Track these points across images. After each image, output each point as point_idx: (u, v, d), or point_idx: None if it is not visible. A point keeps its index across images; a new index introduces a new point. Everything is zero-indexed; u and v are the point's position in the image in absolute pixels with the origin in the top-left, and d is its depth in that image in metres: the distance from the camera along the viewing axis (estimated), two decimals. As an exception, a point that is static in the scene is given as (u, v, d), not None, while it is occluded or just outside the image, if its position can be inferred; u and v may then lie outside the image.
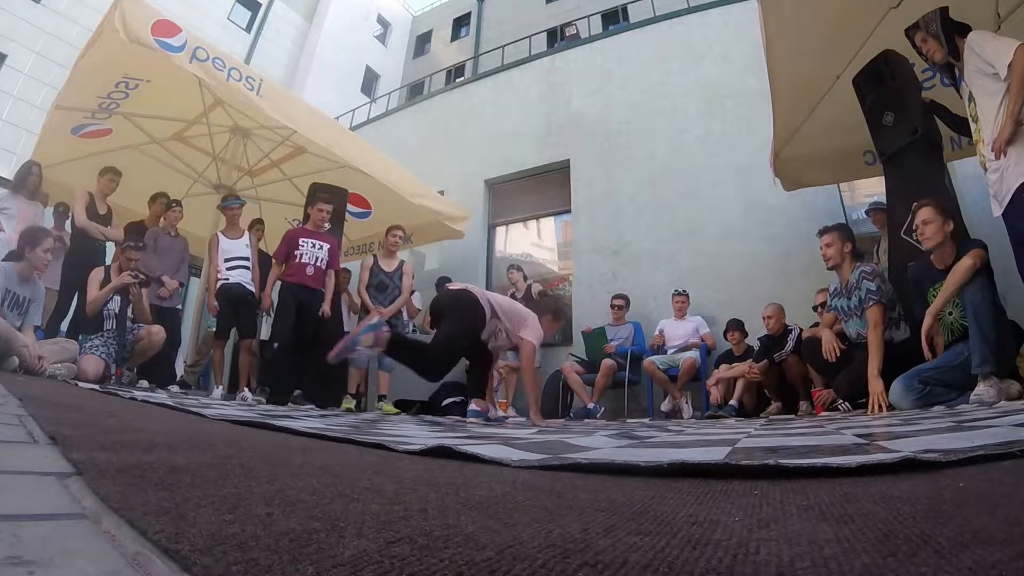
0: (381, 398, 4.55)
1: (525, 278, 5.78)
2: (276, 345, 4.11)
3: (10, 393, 1.75)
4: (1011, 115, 2.27)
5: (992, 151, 2.37)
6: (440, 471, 0.88)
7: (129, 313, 4.01)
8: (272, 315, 4.36)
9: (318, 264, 4.25)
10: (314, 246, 4.26)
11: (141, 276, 4.02)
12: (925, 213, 2.69)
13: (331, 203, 4.58)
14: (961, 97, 2.74)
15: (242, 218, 5.25)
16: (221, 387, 4.29)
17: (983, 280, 2.44)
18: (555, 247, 6.93)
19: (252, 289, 4.41)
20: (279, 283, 4.33)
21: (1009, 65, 2.27)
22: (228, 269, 4.34)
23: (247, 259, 4.47)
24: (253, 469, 0.75)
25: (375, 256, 4.87)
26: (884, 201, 3.91)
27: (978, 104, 2.52)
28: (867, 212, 4.58)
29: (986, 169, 2.52)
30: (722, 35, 6.11)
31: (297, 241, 4.24)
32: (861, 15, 3.56)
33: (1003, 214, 2.44)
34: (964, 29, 2.59)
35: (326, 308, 4.29)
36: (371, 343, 2.94)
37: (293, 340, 4.13)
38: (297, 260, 4.18)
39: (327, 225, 4.53)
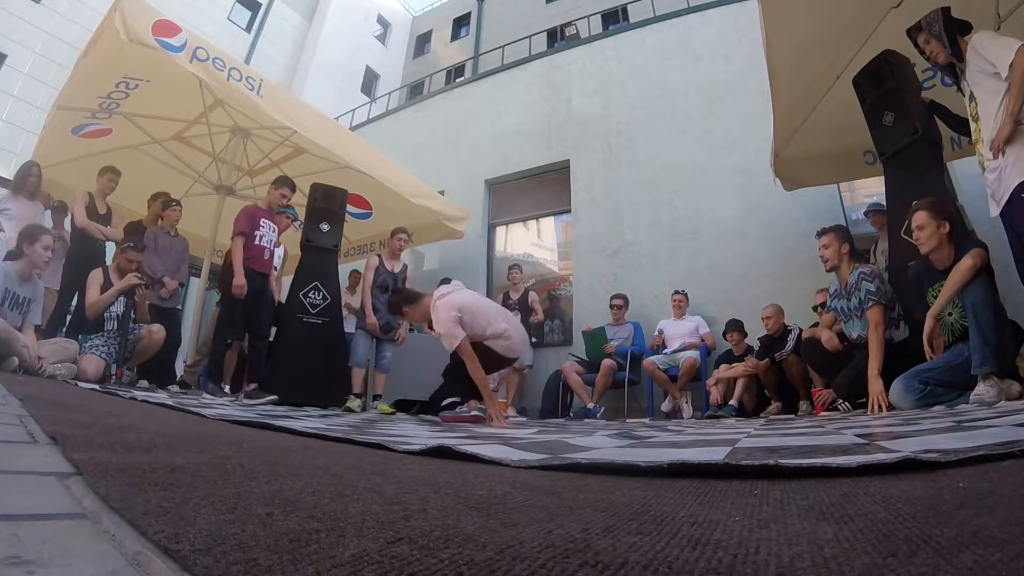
0: (376, 398, 4.55)
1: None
2: (229, 342, 4.01)
3: (10, 393, 1.75)
4: (1011, 114, 2.27)
5: (991, 150, 2.37)
6: (440, 471, 0.88)
7: (132, 314, 4.02)
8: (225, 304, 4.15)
9: (272, 248, 4.17)
10: (271, 229, 4.18)
11: (145, 279, 4.02)
12: (919, 218, 2.68)
13: (294, 191, 4.45)
14: (963, 96, 2.74)
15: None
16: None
17: (983, 280, 2.44)
18: (555, 247, 6.93)
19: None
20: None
21: (1010, 65, 2.27)
22: None
23: None
24: (253, 469, 0.75)
25: (380, 256, 4.85)
26: (882, 202, 3.91)
27: (979, 103, 2.52)
28: (865, 214, 4.58)
29: (984, 169, 2.52)
30: (722, 35, 6.11)
31: (259, 220, 4.09)
32: (861, 15, 3.55)
33: (1001, 213, 2.43)
34: (966, 28, 2.58)
35: (277, 297, 4.19)
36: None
37: (254, 332, 4.01)
38: (256, 242, 4.03)
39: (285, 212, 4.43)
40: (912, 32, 2.81)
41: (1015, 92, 2.25)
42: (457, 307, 3.15)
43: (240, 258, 3.86)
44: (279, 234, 4.31)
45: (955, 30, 2.60)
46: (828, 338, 3.22)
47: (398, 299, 3.47)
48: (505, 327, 3.31)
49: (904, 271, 3.07)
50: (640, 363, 4.74)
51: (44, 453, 0.77)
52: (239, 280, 3.78)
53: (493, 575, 0.35)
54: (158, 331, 4.05)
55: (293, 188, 4.44)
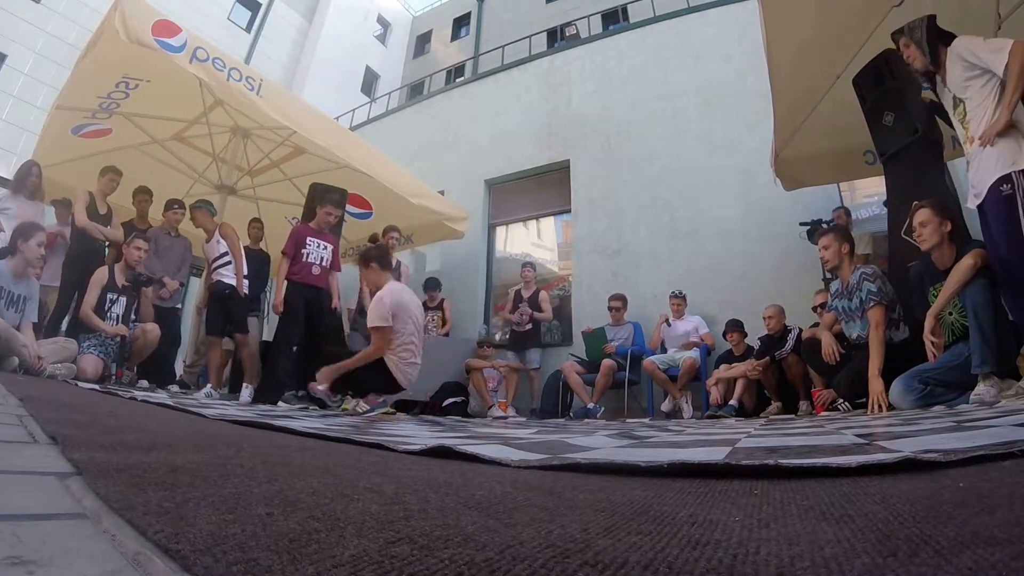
0: None
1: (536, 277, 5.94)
2: (295, 348, 4.10)
3: (10, 393, 1.75)
4: (1008, 105, 2.29)
5: (979, 137, 2.39)
6: (440, 471, 0.88)
7: (133, 315, 4.04)
8: (276, 315, 4.31)
9: (322, 264, 4.27)
10: (319, 246, 4.27)
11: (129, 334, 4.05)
12: (922, 215, 2.70)
13: (341, 209, 4.55)
14: (939, 101, 2.77)
15: (239, 218, 5.25)
16: (211, 387, 4.20)
17: (984, 280, 2.44)
18: (555, 247, 6.93)
19: (232, 283, 4.29)
20: (285, 283, 4.25)
21: (1006, 66, 2.29)
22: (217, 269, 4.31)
23: (224, 255, 4.36)
24: (253, 469, 0.75)
25: None
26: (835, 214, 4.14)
27: (967, 103, 2.54)
28: (834, 210, 4.72)
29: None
30: (722, 35, 6.11)
31: (304, 239, 4.23)
32: (862, 15, 3.55)
33: (979, 205, 2.48)
34: (949, 38, 2.61)
35: (336, 303, 4.38)
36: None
37: (305, 341, 4.13)
38: (304, 259, 4.18)
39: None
40: (895, 35, 2.84)
41: (1012, 85, 2.26)
42: (395, 304, 3.33)
43: (281, 277, 4.12)
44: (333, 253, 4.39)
45: (938, 40, 2.62)
46: (827, 343, 3.21)
47: (372, 254, 3.56)
48: (415, 359, 3.41)
49: (905, 271, 3.07)
50: (640, 363, 4.74)
51: (44, 453, 0.77)
52: (276, 299, 4.09)
53: (493, 575, 0.35)
54: (152, 330, 4.06)
55: (338, 204, 4.51)
